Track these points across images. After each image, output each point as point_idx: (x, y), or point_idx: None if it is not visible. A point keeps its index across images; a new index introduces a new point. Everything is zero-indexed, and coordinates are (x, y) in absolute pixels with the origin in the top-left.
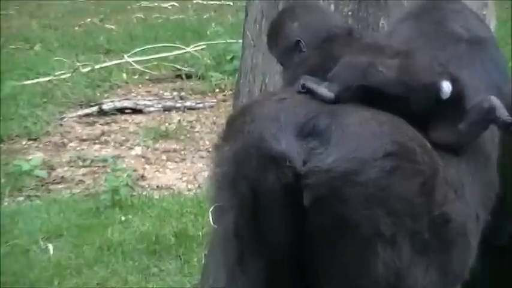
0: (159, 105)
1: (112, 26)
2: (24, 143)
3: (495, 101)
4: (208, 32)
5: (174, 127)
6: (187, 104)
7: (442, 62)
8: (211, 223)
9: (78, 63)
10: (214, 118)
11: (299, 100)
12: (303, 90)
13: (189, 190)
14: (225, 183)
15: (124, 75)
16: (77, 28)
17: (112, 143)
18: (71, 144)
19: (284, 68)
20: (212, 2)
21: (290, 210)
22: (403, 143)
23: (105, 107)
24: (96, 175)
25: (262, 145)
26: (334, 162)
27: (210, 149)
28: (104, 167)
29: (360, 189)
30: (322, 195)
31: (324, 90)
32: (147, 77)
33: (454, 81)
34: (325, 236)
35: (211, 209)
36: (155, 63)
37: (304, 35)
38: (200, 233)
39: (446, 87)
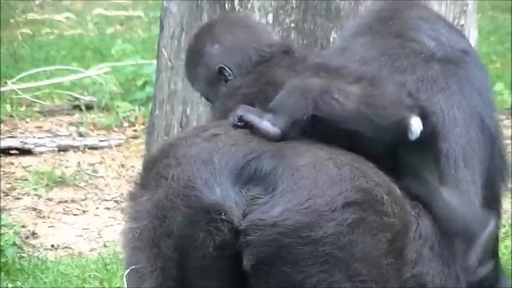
0: (53, 144)
1: None
2: None
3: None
4: (113, 51)
5: (72, 171)
6: (88, 142)
7: (412, 91)
8: None
9: None
10: (123, 159)
11: (236, 137)
12: (240, 124)
13: (92, 250)
14: (143, 242)
15: (8, 106)
16: None
17: None
18: None
19: (211, 104)
20: (118, 13)
21: (227, 275)
22: (367, 189)
23: None
24: None
25: (191, 194)
26: (282, 214)
27: (121, 199)
28: None
29: (314, 247)
30: (267, 255)
31: (267, 123)
32: (37, 109)
33: (425, 118)
34: None
35: (125, 274)
36: (47, 91)
37: (228, 60)
38: None
39: (416, 125)
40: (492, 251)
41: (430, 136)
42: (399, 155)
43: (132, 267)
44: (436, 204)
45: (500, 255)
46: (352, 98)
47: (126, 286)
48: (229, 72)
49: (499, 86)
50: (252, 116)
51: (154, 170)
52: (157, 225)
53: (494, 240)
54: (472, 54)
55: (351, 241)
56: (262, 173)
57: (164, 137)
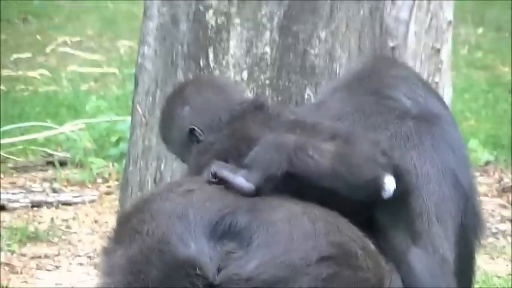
0: (26, 200)
1: None
2: None
3: None
4: (87, 108)
5: (46, 227)
6: (62, 198)
7: (386, 149)
8: None
9: None
10: (97, 215)
11: (210, 192)
12: (214, 180)
13: None
14: None
15: None
16: None
17: None
18: None
19: (184, 161)
20: (92, 70)
21: None
22: (342, 244)
23: None
24: None
25: (166, 249)
26: (257, 268)
27: (94, 255)
28: None
29: None
30: None
31: (241, 179)
32: (10, 165)
33: (399, 176)
34: None
35: None
36: (21, 147)
37: (198, 120)
38: None
39: (389, 185)
40: None
41: (403, 194)
42: (373, 213)
43: None
44: (402, 269)
45: None
46: (326, 155)
47: None
48: (200, 132)
49: (473, 143)
50: (226, 171)
51: (128, 224)
52: (132, 281)
53: None
54: (447, 113)
55: None
56: (237, 228)
57: (138, 193)
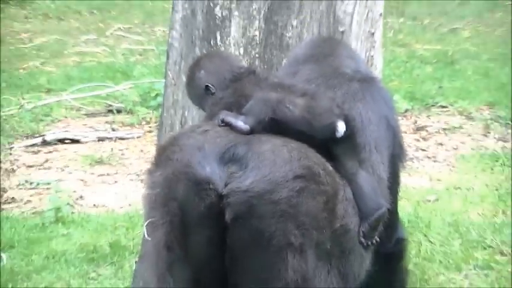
0: (94, 136)
1: (52, 69)
2: None
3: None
4: (134, 73)
5: (107, 154)
6: (118, 134)
7: (339, 103)
8: (145, 236)
9: (23, 101)
10: (142, 147)
11: (220, 132)
12: (222, 124)
13: (121, 207)
14: (157, 203)
15: (63, 110)
16: (21, 70)
17: (54, 169)
18: (19, 170)
19: (203, 109)
20: (138, 47)
21: (214, 226)
22: (310, 167)
23: (47, 138)
24: (42, 196)
25: (189, 171)
26: (252, 183)
27: (139, 173)
28: (48, 189)
29: (273, 206)
30: (241, 212)
31: (240, 123)
32: (83, 112)
33: (348, 122)
34: (244, 247)
35: (145, 224)
36: (90, 100)
37: (211, 79)
38: (131, 243)
39: (341, 128)
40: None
41: (350, 134)
42: (330, 146)
43: (149, 220)
44: (352, 185)
45: None
46: (298, 107)
47: (145, 233)
48: (213, 87)
49: (396, 97)
50: (230, 118)
51: (164, 154)
52: (167, 192)
53: (390, 213)
54: (378, 78)
55: (298, 202)
56: (237, 156)
57: (170, 132)
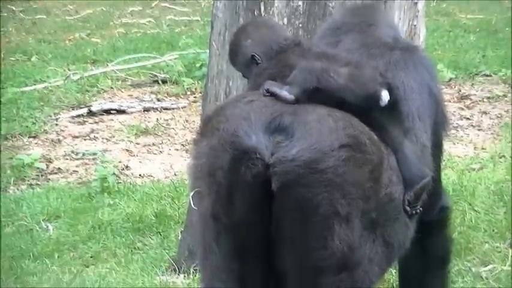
0: (140, 107)
1: (97, 40)
2: (25, 140)
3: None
4: (180, 44)
5: (153, 125)
6: (164, 105)
7: (383, 72)
8: (192, 206)
9: (69, 72)
10: (187, 117)
11: (265, 102)
12: (267, 94)
13: (167, 177)
14: (203, 173)
15: (109, 81)
16: (67, 42)
17: (100, 139)
18: (65, 140)
19: (247, 79)
20: (183, 18)
21: (260, 195)
22: (355, 136)
23: (93, 108)
24: (88, 166)
25: (236, 140)
26: (298, 153)
27: (184, 143)
28: (94, 159)
29: (320, 175)
30: (288, 180)
31: (285, 93)
32: (128, 83)
33: (391, 91)
34: (290, 216)
35: (191, 194)
36: (135, 70)
37: (257, 49)
38: (177, 213)
39: (385, 96)
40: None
41: (394, 103)
42: (374, 115)
43: (195, 190)
44: (397, 154)
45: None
46: (342, 76)
47: (192, 202)
48: (259, 57)
49: (440, 66)
50: (275, 88)
51: (210, 124)
52: (213, 162)
53: (434, 181)
54: (420, 47)
55: (344, 171)
56: (283, 126)
57: (215, 102)
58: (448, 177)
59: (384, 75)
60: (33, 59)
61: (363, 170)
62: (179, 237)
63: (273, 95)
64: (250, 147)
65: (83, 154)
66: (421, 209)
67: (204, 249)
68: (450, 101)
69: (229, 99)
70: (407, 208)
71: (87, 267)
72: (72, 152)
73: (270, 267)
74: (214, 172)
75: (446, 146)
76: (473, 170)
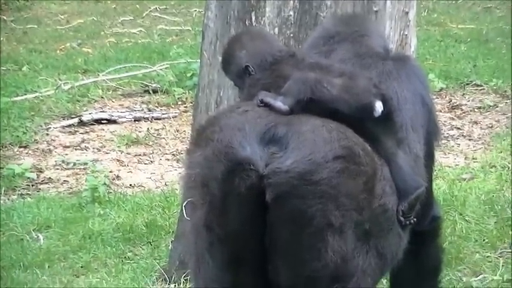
0: (131, 116)
1: (89, 50)
2: (16, 150)
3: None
4: (171, 54)
5: (143, 134)
6: (154, 114)
7: (376, 83)
8: (185, 216)
9: (60, 82)
10: (178, 126)
11: (259, 112)
12: (261, 104)
13: (157, 187)
14: (197, 183)
15: (100, 91)
16: (58, 52)
17: (91, 149)
18: (56, 150)
19: (240, 89)
20: (174, 28)
21: (254, 206)
22: (349, 147)
23: (84, 118)
24: (78, 176)
25: (230, 151)
26: (292, 164)
27: (175, 153)
28: (84, 169)
29: (314, 187)
30: (282, 192)
31: (280, 103)
32: (119, 93)
33: (385, 101)
34: (284, 227)
35: (184, 204)
36: (126, 80)
37: (252, 61)
38: (167, 223)
39: (379, 107)
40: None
41: (388, 113)
42: (368, 126)
43: (189, 200)
44: (391, 164)
45: None
46: (336, 87)
47: (184, 212)
48: (253, 69)
49: (431, 76)
50: (269, 98)
51: (204, 134)
52: (207, 172)
53: (426, 191)
54: (412, 57)
55: (338, 183)
56: (278, 136)
57: (205, 112)
58: (439, 187)
59: (377, 86)
60: (24, 68)
61: (357, 182)
62: (170, 247)
63: (267, 105)
64: (245, 158)
65: (74, 164)
66: (415, 219)
67: (196, 260)
68: (441, 111)
69: (223, 109)
70: (401, 218)
71: (78, 277)
72: (63, 161)
73: (263, 278)
74: (208, 182)
75: (438, 156)
76: (464, 180)
